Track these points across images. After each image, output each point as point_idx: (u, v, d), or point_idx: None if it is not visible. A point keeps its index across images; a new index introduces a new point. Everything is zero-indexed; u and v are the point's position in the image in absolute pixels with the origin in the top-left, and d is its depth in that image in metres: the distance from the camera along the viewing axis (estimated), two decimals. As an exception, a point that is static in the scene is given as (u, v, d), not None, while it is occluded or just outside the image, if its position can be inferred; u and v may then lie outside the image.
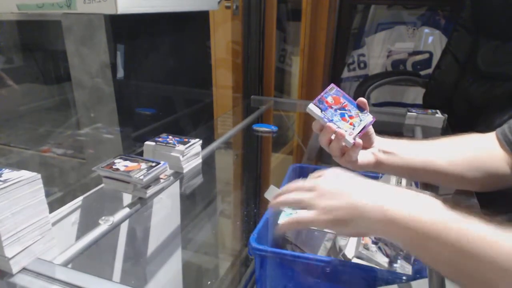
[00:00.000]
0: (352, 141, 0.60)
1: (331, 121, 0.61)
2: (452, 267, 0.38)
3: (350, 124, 0.61)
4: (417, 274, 0.71)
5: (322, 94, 0.63)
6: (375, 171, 0.66)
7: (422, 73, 1.86)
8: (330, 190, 0.48)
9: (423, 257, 0.42)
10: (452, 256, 0.37)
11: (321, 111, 0.62)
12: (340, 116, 0.62)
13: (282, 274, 0.83)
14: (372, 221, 0.43)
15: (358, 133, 0.61)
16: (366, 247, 0.76)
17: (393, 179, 0.90)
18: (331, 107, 0.62)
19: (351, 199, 0.46)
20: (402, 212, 0.41)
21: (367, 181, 0.48)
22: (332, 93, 0.64)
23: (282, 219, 0.82)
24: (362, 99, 0.63)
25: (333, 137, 0.61)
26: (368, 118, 0.63)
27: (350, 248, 0.79)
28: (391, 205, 0.42)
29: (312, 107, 0.62)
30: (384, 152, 0.64)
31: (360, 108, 0.63)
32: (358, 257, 0.75)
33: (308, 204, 0.49)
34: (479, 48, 1.34)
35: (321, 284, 0.76)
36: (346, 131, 0.60)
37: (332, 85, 0.65)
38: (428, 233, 0.39)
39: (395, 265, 0.74)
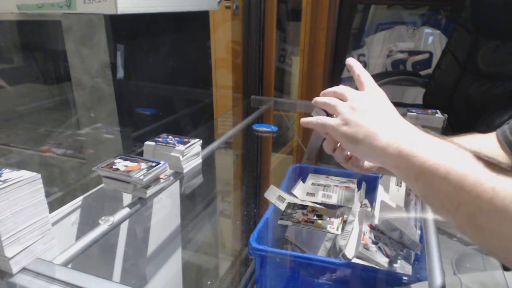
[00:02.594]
0: None
1: None
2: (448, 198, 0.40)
3: None
4: (417, 274, 0.71)
5: None
6: (378, 173, 0.66)
7: (422, 73, 1.86)
8: (361, 107, 0.51)
9: (421, 190, 0.44)
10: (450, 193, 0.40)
11: (328, 115, 0.61)
12: None
13: (282, 274, 0.83)
14: (380, 150, 0.47)
15: None
16: (366, 247, 0.76)
17: (394, 179, 0.90)
18: None
19: (373, 123, 0.49)
20: (412, 151, 0.43)
21: (395, 116, 0.50)
22: None
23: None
24: None
25: (339, 144, 0.60)
26: None
27: (350, 248, 0.79)
28: (404, 143, 0.45)
29: (319, 112, 0.61)
30: None
31: None
32: (358, 257, 0.75)
33: (337, 112, 0.52)
34: (479, 48, 1.34)
35: (321, 284, 0.76)
36: None
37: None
38: (427, 170, 0.42)
39: (395, 265, 0.74)
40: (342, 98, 0.54)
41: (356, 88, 0.56)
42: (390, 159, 0.46)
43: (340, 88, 0.56)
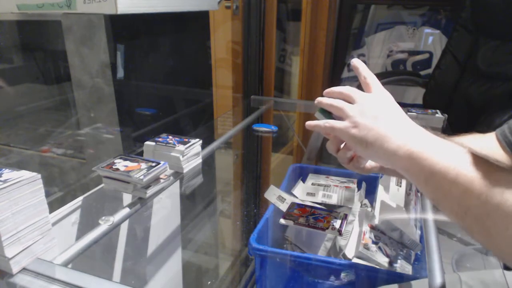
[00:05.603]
0: None
1: None
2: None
3: None
4: (417, 274, 0.71)
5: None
6: (379, 173, 0.66)
7: (422, 73, 1.86)
8: (371, 110, 0.50)
9: (430, 193, 0.44)
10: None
11: (332, 117, 0.60)
12: None
13: (282, 274, 0.83)
14: (391, 152, 0.47)
15: None
16: (366, 247, 0.76)
17: (394, 179, 0.90)
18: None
19: (383, 126, 0.49)
20: (422, 154, 0.44)
21: (404, 118, 0.50)
22: None
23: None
24: None
25: (342, 146, 0.60)
26: None
27: (350, 248, 0.79)
28: (415, 146, 0.45)
29: (323, 113, 0.60)
30: None
31: None
32: (358, 257, 0.75)
33: (346, 115, 0.52)
34: (479, 48, 1.34)
35: (321, 284, 0.76)
36: None
37: None
38: (440, 175, 0.41)
39: (395, 265, 0.74)
40: (349, 100, 0.54)
41: (359, 88, 0.56)
42: (400, 161, 0.46)
43: (347, 89, 0.55)
